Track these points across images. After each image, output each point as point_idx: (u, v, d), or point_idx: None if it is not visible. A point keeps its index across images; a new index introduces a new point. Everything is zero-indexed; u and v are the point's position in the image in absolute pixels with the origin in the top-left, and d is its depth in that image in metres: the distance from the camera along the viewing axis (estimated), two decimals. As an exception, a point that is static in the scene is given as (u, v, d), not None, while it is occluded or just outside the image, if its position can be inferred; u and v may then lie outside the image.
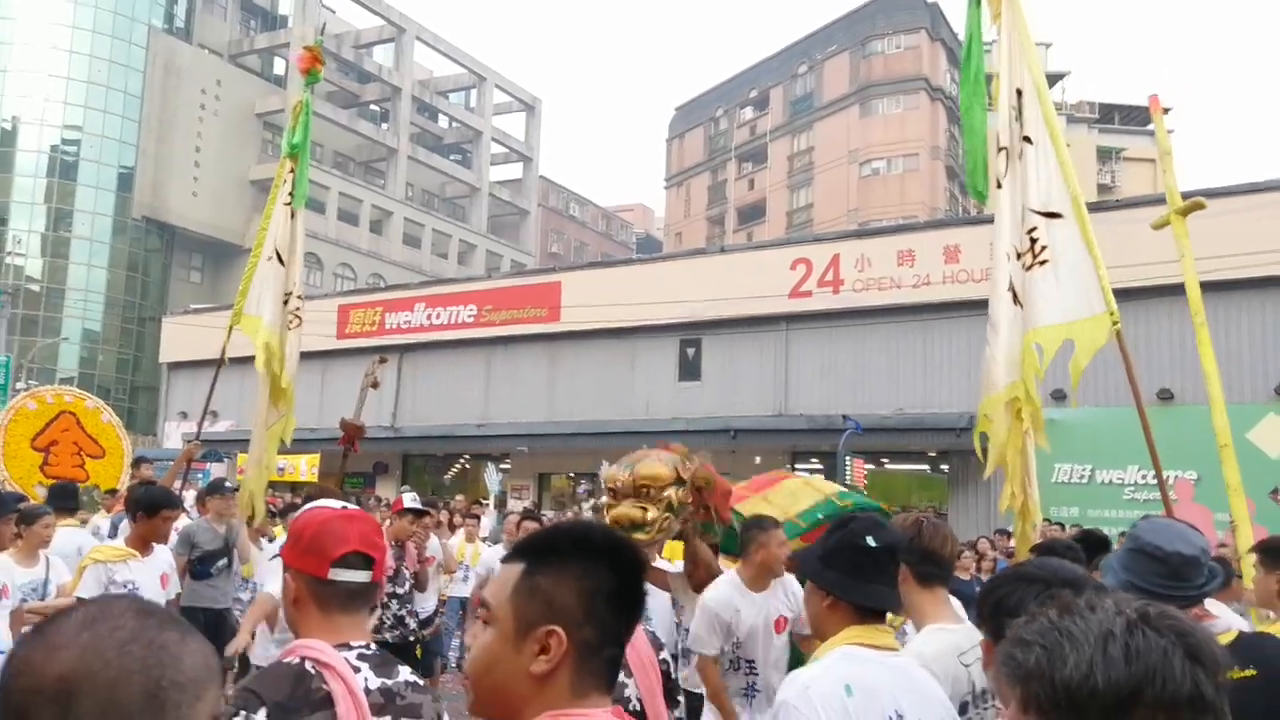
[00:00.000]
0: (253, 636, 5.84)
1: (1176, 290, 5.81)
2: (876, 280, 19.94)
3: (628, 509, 4.34)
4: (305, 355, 8.20)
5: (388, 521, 7.56)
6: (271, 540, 7.89)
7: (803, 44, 51.73)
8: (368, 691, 2.10)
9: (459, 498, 19.28)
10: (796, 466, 21.33)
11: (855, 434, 16.96)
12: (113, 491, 10.38)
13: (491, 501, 17.87)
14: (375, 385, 7.85)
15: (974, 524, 16.55)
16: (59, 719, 1.00)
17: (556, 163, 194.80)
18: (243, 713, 1.96)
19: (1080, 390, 5.89)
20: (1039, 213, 5.08)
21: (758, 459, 20.74)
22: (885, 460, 21.07)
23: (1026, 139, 5.19)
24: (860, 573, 2.48)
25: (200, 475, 22.02)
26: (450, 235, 56.40)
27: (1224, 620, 2.91)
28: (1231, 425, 5.20)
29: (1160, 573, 2.79)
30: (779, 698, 2.33)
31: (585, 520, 2.52)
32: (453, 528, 12.33)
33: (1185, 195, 5.53)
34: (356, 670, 2.12)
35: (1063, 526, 13.38)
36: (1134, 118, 48.90)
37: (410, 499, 7.84)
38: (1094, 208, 5.18)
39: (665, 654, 2.83)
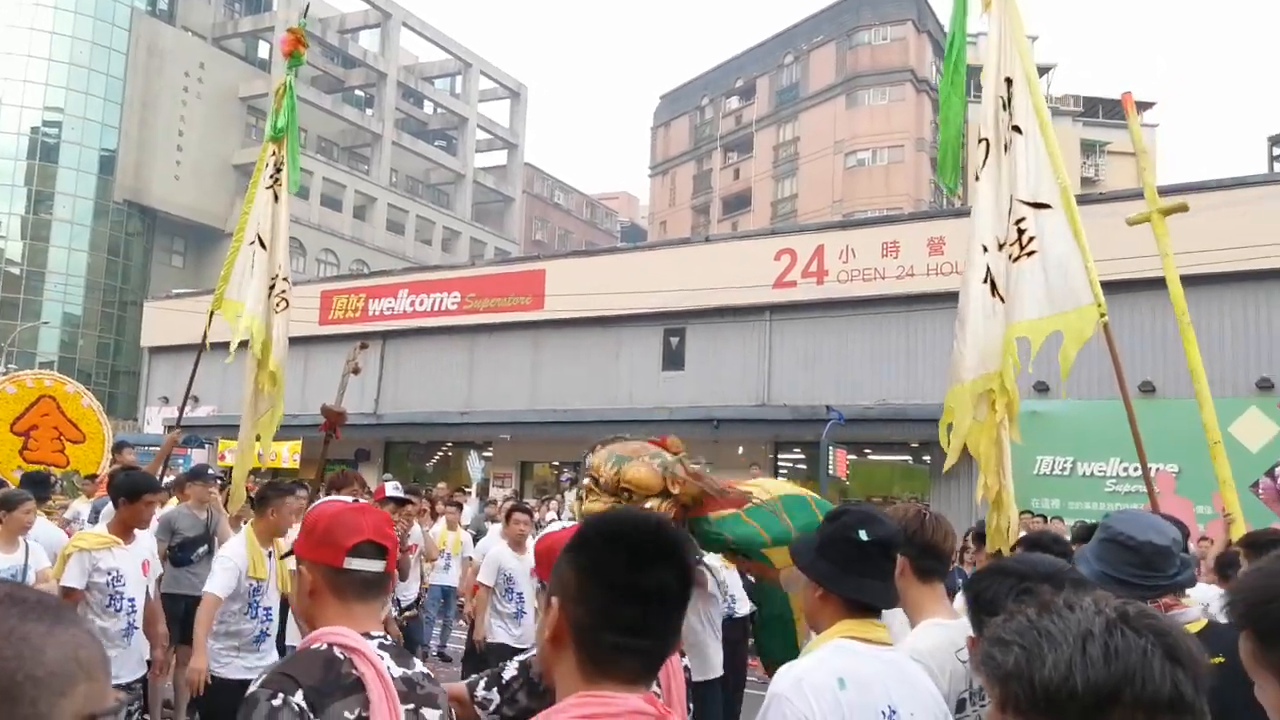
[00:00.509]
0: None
1: (1158, 284, 5.79)
2: (861, 271, 19.96)
3: (600, 508, 4.06)
4: (288, 341, 8.15)
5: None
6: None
7: (789, 34, 51.68)
8: (392, 679, 2.13)
9: (441, 485, 19.26)
10: (779, 457, 21.43)
11: (838, 424, 16.99)
12: (93, 477, 10.34)
13: (474, 489, 17.85)
14: (356, 371, 7.79)
15: (955, 515, 16.49)
16: None
17: (541, 150, 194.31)
18: (281, 695, 1.98)
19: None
20: (1027, 203, 5.03)
21: (740, 449, 20.80)
22: (868, 451, 21.11)
23: (1016, 128, 5.13)
24: (851, 566, 2.41)
25: (181, 461, 21.98)
26: (434, 222, 56.18)
27: (1195, 609, 2.92)
28: (1214, 420, 5.23)
29: (1133, 562, 2.81)
30: (771, 689, 2.30)
31: (632, 509, 2.54)
32: (435, 516, 12.32)
33: (1168, 190, 5.56)
34: (380, 658, 2.15)
35: (1044, 519, 13.50)
36: (1118, 112, 48.86)
37: (392, 488, 7.83)
38: (1078, 200, 5.17)
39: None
